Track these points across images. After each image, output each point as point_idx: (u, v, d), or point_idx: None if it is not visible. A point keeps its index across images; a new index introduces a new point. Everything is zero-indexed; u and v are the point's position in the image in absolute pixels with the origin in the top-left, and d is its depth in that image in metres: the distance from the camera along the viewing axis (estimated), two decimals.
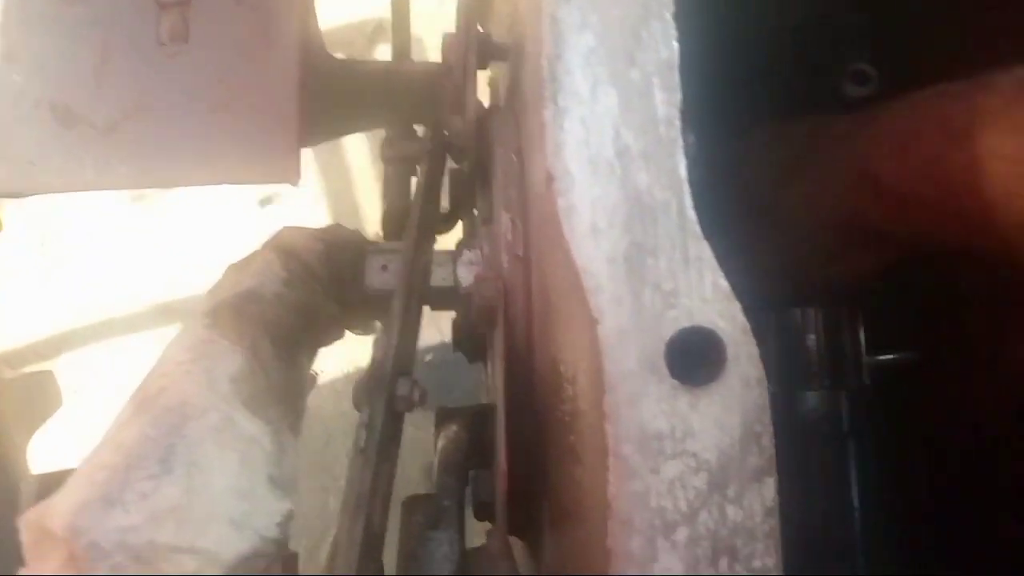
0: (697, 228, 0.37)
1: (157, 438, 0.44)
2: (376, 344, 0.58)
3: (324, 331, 0.61)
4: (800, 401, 0.66)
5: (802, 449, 0.65)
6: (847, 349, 0.67)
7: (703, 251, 0.37)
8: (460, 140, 0.65)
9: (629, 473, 0.35)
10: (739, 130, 0.73)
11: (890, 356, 0.68)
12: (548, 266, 0.46)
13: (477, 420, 0.67)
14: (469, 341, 0.72)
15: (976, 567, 0.67)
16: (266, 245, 0.62)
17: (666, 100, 0.37)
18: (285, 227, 0.64)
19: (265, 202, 1.87)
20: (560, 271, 0.40)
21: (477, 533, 0.59)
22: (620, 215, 0.37)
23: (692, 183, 0.37)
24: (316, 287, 0.60)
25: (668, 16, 0.38)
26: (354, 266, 0.64)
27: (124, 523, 0.43)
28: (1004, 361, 0.64)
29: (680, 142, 0.37)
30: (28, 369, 1.75)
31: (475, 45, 0.64)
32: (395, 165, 0.73)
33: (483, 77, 0.78)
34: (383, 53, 1.95)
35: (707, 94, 0.69)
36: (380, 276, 0.64)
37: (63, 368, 1.77)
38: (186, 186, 0.64)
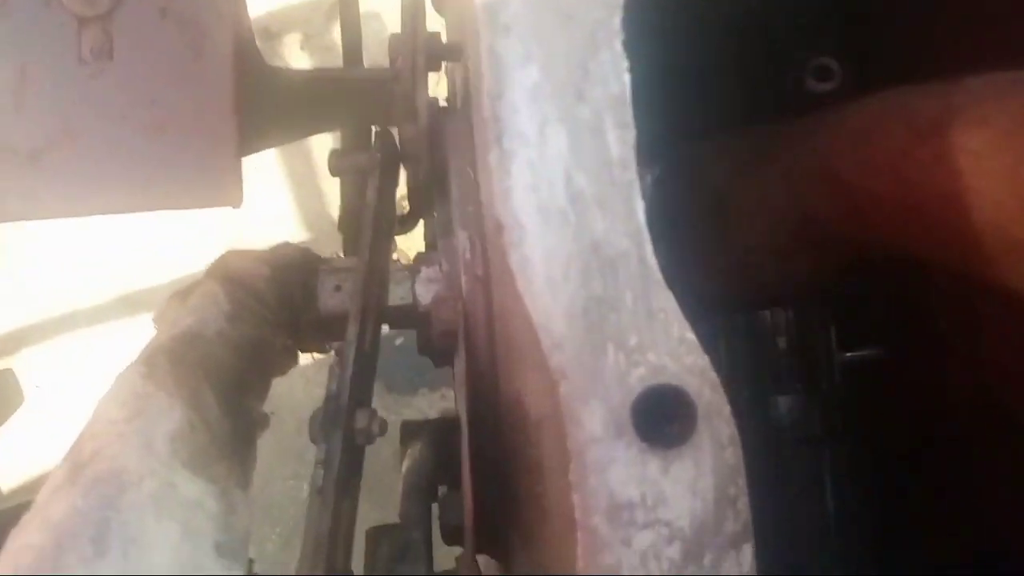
0: (659, 276, 0.34)
1: (89, 512, 0.41)
2: (331, 373, 0.56)
3: (275, 364, 0.58)
4: (772, 405, 0.64)
5: (775, 454, 0.64)
6: (819, 351, 0.65)
7: (667, 301, 0.34)
8: (413, 149, 0.61)
9: (599, 546, 0.33)
10: (703, 128, 0.70)
11: (860, 352, 0.66)
12: (507, 308, 0.43)
13: (443, 435, 0.65)
14: (433, 349, 0.69)
15: (952, 568, 0.66)
16: (209, 273, 0.59)
17: (619, 139, 0.34)
18: (228, 251, 0.60)
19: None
20: (519, 321, 0.38)
21: (447, 553, 0.58)
22: (577, 266, 0.34)
23: (651, 224, 0.35)
24: (265, 317, 0.57)
25: (617, 46, 0.34)
26: (305, 288, 0.61)
27: None
28: (979, 361, 0.63)
29: (636, 184, 0.34)
30: None
31: (424, 47, 0.61)
32: (347, 176, 0.70)
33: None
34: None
35: (669, 90, 0.66)
36: (334, 297, 0.61)
37: (24, 364, 1.72)
38: (120, 213, 0.60)
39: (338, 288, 0.61)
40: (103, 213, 0.61)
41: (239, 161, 0.59)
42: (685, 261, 0.65)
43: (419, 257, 0.61)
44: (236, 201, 0.60)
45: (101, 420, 0.46)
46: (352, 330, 0.56)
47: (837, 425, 0.65)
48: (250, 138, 0.62)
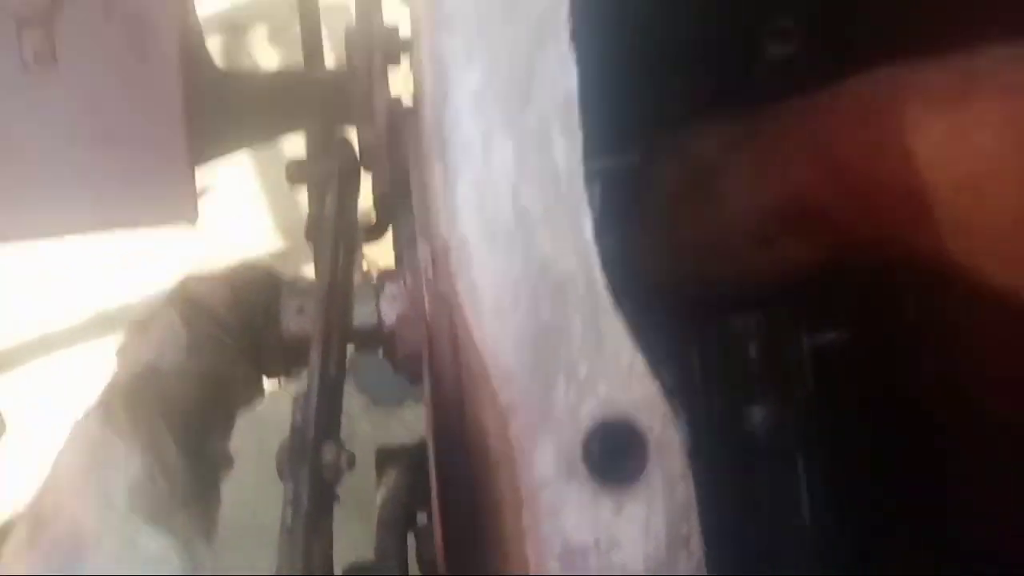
0: (608, 300, 0.31)
1: None
2: (295, 404, 0.53)
3: (239, 397, 0.55)
4: (746, 416, 0.62)
5: (749, 465, 0.61)
6: (791, 358, 0.62)
7: (616, 327, 0.31)
8: (372, 152, 0.59)
9: None
10: (668, 112, 0.67)
11: (828, 335, 0.63)
12: (463, 335, 0.40)
13: (420, 459, 0.62)
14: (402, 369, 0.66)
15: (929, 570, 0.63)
16: (169, 300, 0.56)
17: (567, 147, 0.31)
18: (188, 276, 0.58)
19: (199, 194, 1.78)
20: (471, 351, 0.35)
21: None
22: (525, 291, 0.32)
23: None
24: (226, 343, 0.54)
25: (564, 40, 0.31)
26: (268, 309, 0.58)
27: None
28: (950, 352, 0.59)
29: (584, 197, 0.31)
30: None
31: (381, 43, 0.58)
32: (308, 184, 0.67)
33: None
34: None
35: (629, 76, 0.63)
36: (297, 320, 0.58)
37: (1, 391, 1.69)
38: (67, 235, 0.57)
39: (301, 310, 0.58)
40: (50, 236, 0.58)
41: (192, 173, 0.56)
42: (653, 245, 0.62)
43: (384, 272, 0.58)
44: (191, 217, 0.57)
45: (60, 471, 0.46)
46: (315, 357, 0.53)
47: (811, 431, 0.62)
48: (204, 145, 0.59)
